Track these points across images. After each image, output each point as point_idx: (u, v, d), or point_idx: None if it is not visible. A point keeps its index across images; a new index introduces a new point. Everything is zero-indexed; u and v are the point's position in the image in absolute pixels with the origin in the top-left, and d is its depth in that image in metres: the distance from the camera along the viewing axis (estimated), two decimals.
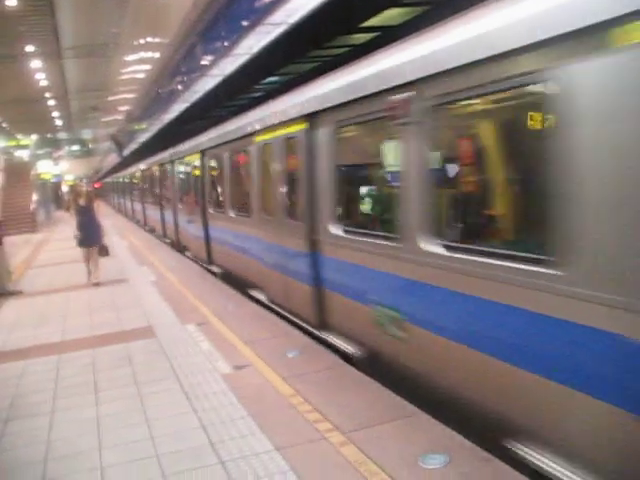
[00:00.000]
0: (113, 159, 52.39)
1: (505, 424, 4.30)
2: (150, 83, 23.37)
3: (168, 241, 20.04)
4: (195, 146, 14.97)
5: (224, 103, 18.20)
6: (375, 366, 6.22)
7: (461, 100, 4.90)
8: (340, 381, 5.94)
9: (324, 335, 7.38)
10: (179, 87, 15.66)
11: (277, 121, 8.46)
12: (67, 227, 22.14)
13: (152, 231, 24.52)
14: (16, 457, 5.04)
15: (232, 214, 11.51)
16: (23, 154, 47.19)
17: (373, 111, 5.93)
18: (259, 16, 7.33)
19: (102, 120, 59.65)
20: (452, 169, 5.92)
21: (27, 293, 12.73)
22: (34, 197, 31.35)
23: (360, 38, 11.14)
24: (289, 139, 8.13)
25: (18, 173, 33.99)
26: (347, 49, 11.93)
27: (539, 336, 3.97)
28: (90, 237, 12.94)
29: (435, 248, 5.01)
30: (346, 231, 6.78)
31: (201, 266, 14.29)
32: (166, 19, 18.56)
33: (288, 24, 7.76)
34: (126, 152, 36.69)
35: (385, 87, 5.49)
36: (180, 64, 15.52)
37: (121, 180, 39.65)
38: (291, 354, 6.86)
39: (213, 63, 10.95)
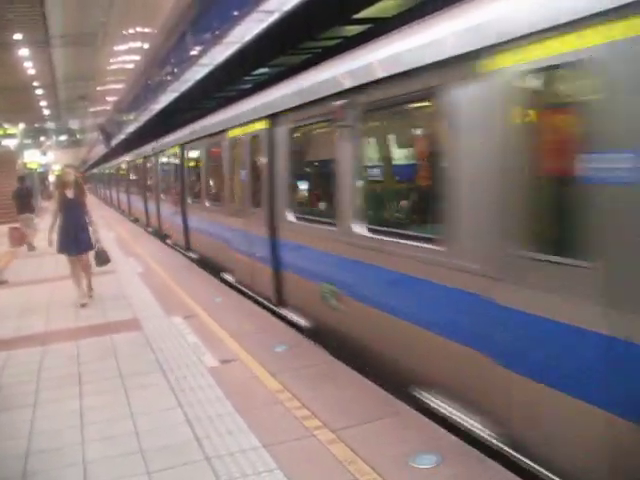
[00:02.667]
0: (100, 150, 52.10)
1: (415, 376, 5.18)
2: (138, 73, 23.16)
3: (150, 230, 20.67)
4: (175, 140, 15.90)
5: (213, 94, 18.07)
6: (323, 336, 7.14)
7: (378, 109, 5.97)
8: (329, 377, 5.85)
9: (282, 311, 8.26)
10: (168, 77, 15.46)
11: (245, 119, 9.48)
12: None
13: (136, 221, 25.13)
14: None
15: (207, 204, 12.42)
16: (10, 143, 46.71)
17: (318, 114, 6.99)
18: (251, 4, 7.21)
19: (90, 110, 59.27)
20: (375, 166, 7.27)
21: (12, 283, 12.56)
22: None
23: (353, 30, 11.03)
24: (254, 137, 9.08)
25: (4, 162, 33.63)
26: (339, 41, 11.83)
27: (438, 302, 4.86)
28: (79, 241, 9.83)
29: (362, 231, 6.02)
30: (297, 218, 7.81)
31: (180, 252, 14.89)
32: (155, 7, 18.39)
33: (281, 12, 7.64)
34: (113, 143, 36.44)
35: (326, 94, 6.53)
36: (169, 53, 15.35)
37: (107, 171, 40.32)
38: (279, 349, 6.76)
39: (203, 52, 10.82)
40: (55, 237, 9.82)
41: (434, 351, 4.92)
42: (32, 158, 48.65)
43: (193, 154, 14.08)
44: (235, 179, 10.30)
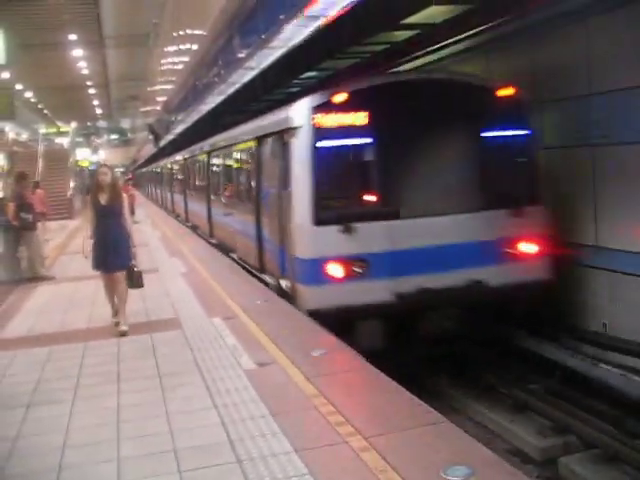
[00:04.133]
0: (148, 150, 52.86)
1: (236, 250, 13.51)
2: (187, 75, 23.48)
3: (189, 224, 23.24)
4: (201, 147, 20.32)
5: (260, 97, 18.21)
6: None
7: (230, 152, 14.65)
8: (365, 383, 5.84)
9: (262, 275, 11.15)
10: (215, 79, 15.71)
11: (244, 137, 13.06)
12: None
13: (177, 217, 27.50)
14: (34, 444, 5.02)
15: (223, 200, 15.63)
16: (63, 141, 47.69)
17: (217, 151, 16.45)
18: (297, 9, 7.24)
19: (141, 110, 60.16)
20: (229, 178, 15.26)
21: (59, 279, 12.81)
22: (71, 184, 31.62)
23: (400, 35, 10.99)
24: (249, 149, 12.53)
25: (56, 160, 34.35)
26: (387, 46, 11.81)
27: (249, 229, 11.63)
28: (113, 257, 8.35)
29: (223, 200, 14.90)
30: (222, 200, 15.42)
31: (206, 240, 18.12)
32: (205, 11, 18.64)
33: (326, 17, 7.66)
34: (162, 143, 36.99)
35: (221, 145, 16.41)
36: (217, 56, 15.56)
37: (155, 170, 42.43)
38: (317, 353, 6.75)
39: (249, 56, 10.93)
40: (90, 250, 8.52)
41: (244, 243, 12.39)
42: (83, 156, 49.69)
43: (214, 160, 17.66)
44: (236, 180, 14.30)
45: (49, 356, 7.41)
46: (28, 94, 49.13)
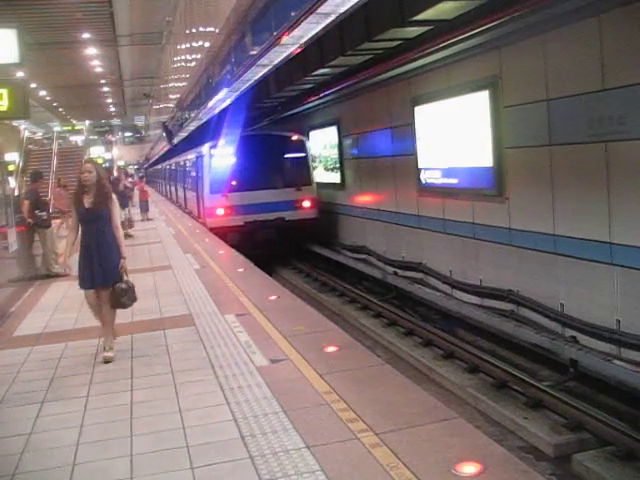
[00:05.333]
0: (160, 147, 53.15)
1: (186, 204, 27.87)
2: (198, 73, 23.56)
3: (188, 211, 29.16)
4: (177, 158, 34.16)
5: (272, 94, 18.24)
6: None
7: (185, 162, 29.02)
8: (378, 380, 5.82)
9: (198, 220, 21.79)
10: (227, 77, 15.74)
11: (190, 156, 26.76)
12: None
13: (180, 206, 34.11)
14: (48, 440, 5.06)
15: (185, 186, 28.80)
16: (77, 139, 47.94)
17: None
18: (309, 6, 7.25)
19: (154, 108, 60.34)
20: (186, 175, 29.37)
21: (73, 276, 12.85)
22: None
23: (413, 32, 10.94)
24: (192, 161, 25.26)
25: (71, 157, 34.56)
26: (399, 42, 11.75)
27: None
28: (99, 271, 7.07)
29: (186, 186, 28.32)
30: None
31: (181, 209, 29.92)
32: (217, 8, 18.70)
33: (338, 14, 7.65)
34: (175, 141, 37.29)
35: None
36: (229, 53, 15.61)
37: (167, 167, 45.00)
38: (330, 349, 6.76)
39: (262, 53, 10.93)
40: (74, 260, 7.49)
41: (190, 204, 26.63)
42: (97, 153, 49.94)
43: (180, 166, 31.50)
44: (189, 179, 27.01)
45: (63, 352, 7.47)
46: (42, 92, 49.41)
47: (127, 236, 18.97)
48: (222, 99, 17.47)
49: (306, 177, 20.64)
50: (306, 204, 20.19)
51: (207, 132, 24.22)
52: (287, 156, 21.02)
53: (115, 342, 7.32)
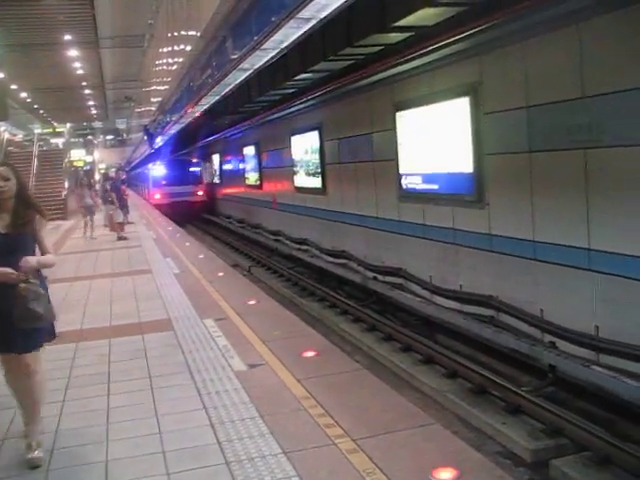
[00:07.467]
0: (142, 150, 53.10)
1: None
2: (180, 76, 23.44)
3: (143, 196, 47.12)
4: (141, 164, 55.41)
5: (254, 98, 18.19)
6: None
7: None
8: (356, 386, 5.82)
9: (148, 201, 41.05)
10: (209, 80, 15.69)
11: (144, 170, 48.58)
12: (99, 215, 22.35)
13: (141, 195, 51.58)
14: (22, 447, 4.99)
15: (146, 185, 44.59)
16: (59, 142, 47.62)
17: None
18: (289, 10, 7.25)
19: (136, 111, 60.13)
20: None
21: (51, 280, 12.73)
22: (66, 184, 31.54)
23: (394, 37, 10.96)
24: (145, 170, 48.40)
25: (51, 160, 34.34)
26: (380, 48, 11.78)
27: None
28: (17, 330, 4.47)
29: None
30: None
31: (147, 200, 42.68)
32: (199, 12, 18.65)
33: (318, 19, 7.66)
34: (155, 144, 37.65)
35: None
36: (211, 57, 15.55)
37: (143, 171, 52.66)
38: (308, 354, 6.76)
39: (242, 58, 10.92)
40: None
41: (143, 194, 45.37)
42: (78, 156, 49.68)
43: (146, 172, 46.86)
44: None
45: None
46: (23, 94, 49.05)
47: (121, 239, 19.18)
48: (203, 104, 17.50)
49: (200, 179, 39.27)
50: (199, 193, 38.49)
51: (156, 154, 41.74)
52: (190, 169, 39.48)
53: (92, 347, 7.26)
